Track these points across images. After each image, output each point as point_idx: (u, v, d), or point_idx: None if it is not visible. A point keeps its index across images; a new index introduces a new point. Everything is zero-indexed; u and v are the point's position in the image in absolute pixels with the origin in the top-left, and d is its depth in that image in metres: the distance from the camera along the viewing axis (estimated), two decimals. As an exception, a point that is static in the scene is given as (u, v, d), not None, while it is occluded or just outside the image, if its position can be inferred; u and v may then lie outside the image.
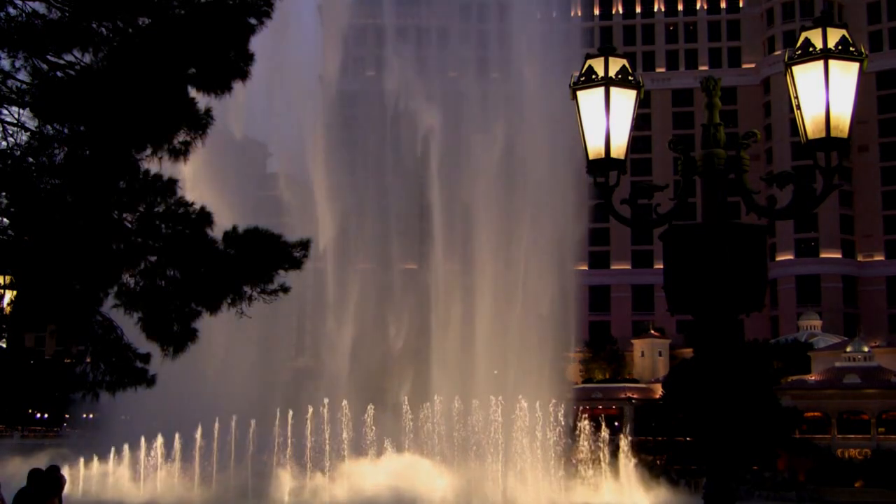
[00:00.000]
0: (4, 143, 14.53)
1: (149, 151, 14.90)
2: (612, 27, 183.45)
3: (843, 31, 8.39)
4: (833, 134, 8.32)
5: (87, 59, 14.44)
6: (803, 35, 8.46)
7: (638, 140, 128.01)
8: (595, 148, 9.20)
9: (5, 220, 14.82)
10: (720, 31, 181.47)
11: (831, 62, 8.30)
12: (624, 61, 9.23)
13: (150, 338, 15.49)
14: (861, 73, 8.40)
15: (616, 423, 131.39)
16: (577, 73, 9.46)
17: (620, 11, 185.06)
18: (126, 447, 73.46)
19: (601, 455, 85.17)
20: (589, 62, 9.29)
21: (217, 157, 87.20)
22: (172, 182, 15.27)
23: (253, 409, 74.79)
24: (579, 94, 9.28)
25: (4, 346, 17.23)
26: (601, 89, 9.12)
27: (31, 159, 14.53)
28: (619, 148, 9.17)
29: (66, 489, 18.92)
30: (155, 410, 74.23)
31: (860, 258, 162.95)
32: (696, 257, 8.66)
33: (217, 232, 15.43)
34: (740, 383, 8.38)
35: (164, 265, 15.29)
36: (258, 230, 15.61)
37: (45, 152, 14.60)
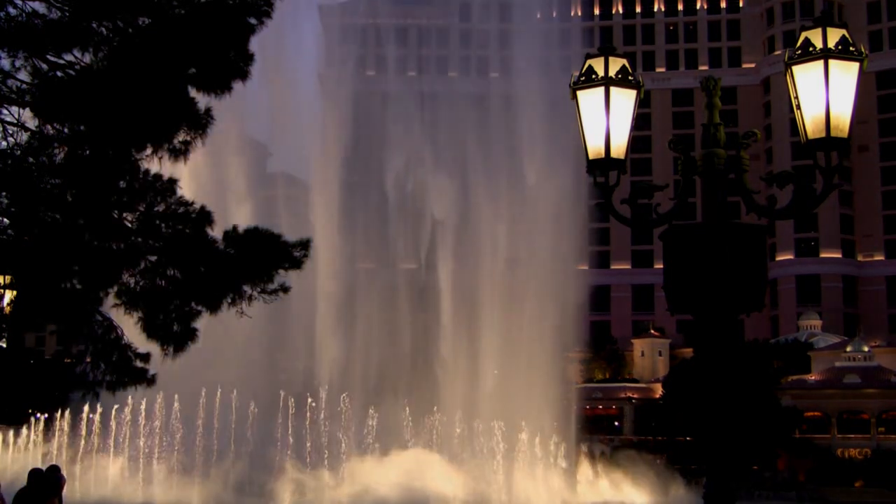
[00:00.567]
0: (4, 143, 14.54)
1: (149, 151, 14.91)
2: (612, 27, 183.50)
3: (843, 31, 8.39)
4: (833, 134, 8.32)
5: (87, 59, 14.45)
6: (803, 35, 8.46)
7: (638, 140, 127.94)
8: (595, 148, 9.20)
9: (5, 220, 14.83)
10: (720, 30, 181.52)
11: (831, 62, 8.30)
12: (624, 61, 9.23)
13: (150, 338, 15.50)
14: (861, 72, 8.40)
15: (616, 423, 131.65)
16: (577, 73, 9.46)
17: (620, 11, 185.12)
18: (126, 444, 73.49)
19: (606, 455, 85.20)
20: (589, 62, 9.29)
21: (217, 157, 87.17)
22: (172, 182, 15.28)
23: (259, 406, 74.73)
24: (579, 93, 9.28)
25: (4, 345, 17.24)
26: (601, 89, 9.12)
27: (31, 159, 14.53)
28: (619, 148, 9.17)
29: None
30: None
31: (860, 258, 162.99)
32: (696, 257, 8.66)
33: (217, 232, 15.45)
34: (740, 383, 8.38)
35: (164, 265, 15.30)
36: (258, 230, 15.62)
37: (45, 152, 14.60)
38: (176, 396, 71.15)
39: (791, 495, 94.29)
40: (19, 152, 14.47)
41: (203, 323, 15.77)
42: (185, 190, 15.86)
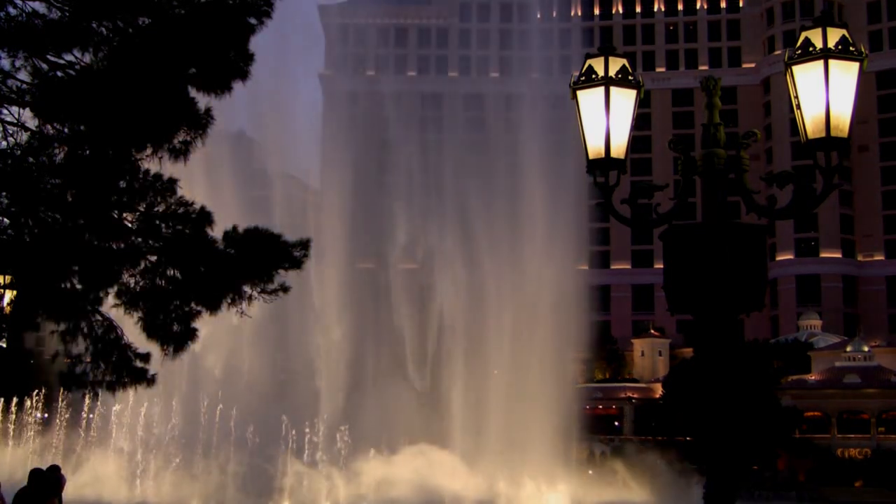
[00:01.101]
0: (4, 143, 14.54)
1: (149, 151, 14.91)
2: (612, 27, 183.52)
3: (843, 31, 8.39)
4: (833, 134, 8.32)
5: (87, 59, 14.45)
6: (803, 35, 8.46)
7: (638, 140, 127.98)
8: (595, 147, 9.20)
9: (5, 220, 14.83)
10: (720, 30, 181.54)
11: (831, 62, 8.30)
12: (624, 61, 9.23)
13: (150, 337, 15.51)
14: (861, 72, 8.40)
15: (616, 423, 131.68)
16: (577, 73, 9.47)
17: (620, 11, 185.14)
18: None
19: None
20: (589, 62, 9.29)
21: (217, 157, 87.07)
22: (172, 182, 15.28)
23: (262, 405, 74.59)
24: (579, 93, 9.28)
25: (4, 345, 17.26)
26: (601, 89, 9.12)
27: (31, 159, 14.53)
28: (619, 147, 9.18)
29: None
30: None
31: (860, 258, 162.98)
32: (696, 257, 8.66)
33: (217, 232, 15.45)
34: (740, 383, 8.38)
35: (164, 265, 15.31)
36: (258, 230, 15.62)
37: (45, 152, 14.60)
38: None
39: (791, 495, 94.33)
40: (19, 152, 14.47)
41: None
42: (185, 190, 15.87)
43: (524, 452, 74.43)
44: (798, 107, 8.47)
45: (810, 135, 8.42)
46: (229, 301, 15.39)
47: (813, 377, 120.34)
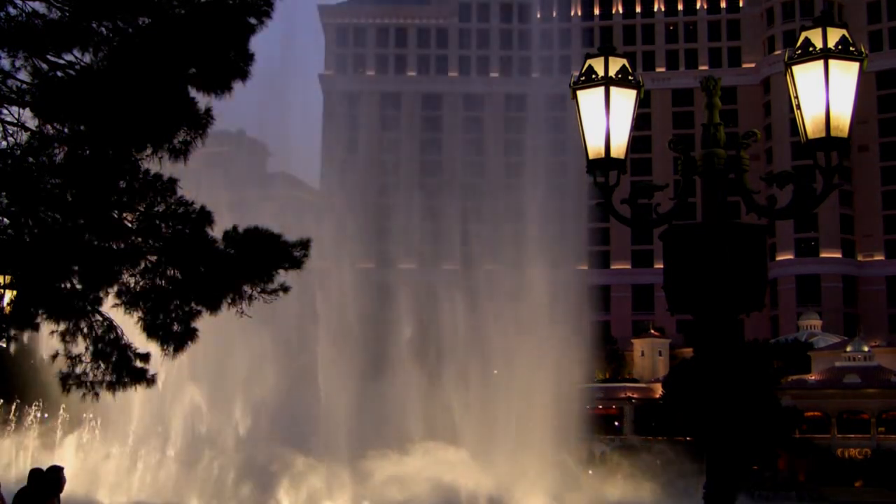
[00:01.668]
0: (4, 143, 14.55)
1: (149, 151, 14.91)
2: (612, 27, 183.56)
3: (843, 31, 8.39)
4: (833, 134, 8.31)
5: (87, 59, 14.45)
6: (803, 35, 8.46)
7: (638, 140, 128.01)
8: (595, 147, 9.20)
9: (5, 220, 14.83)
10: (720, 30, 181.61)
11: (831, 62, 8.30)
12: (624, 61, 9.23)
13: (150, 338, 15.51)
14: (861, 72, 8.40)
15: (616, 423, 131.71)
16: (577, 73, 9.47)
17: (620, 11, 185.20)
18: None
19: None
20: (589, 62, 9.29)
21: (217, 157, 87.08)
22: (172, 182, 15.29)
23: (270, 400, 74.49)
24: (579, 93, 9.28)
25: (4, 345, 17.27)
26: (601, 89, 9.12)
27: (31, 159, 14.53)
28: (619, 147, 9.17)
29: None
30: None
31: (860, 258, 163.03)
32: (696, 257, 8.66)
33: (217, 232, 15.46)
34: (740, 383, 8.38)
35: (164, 265, 15.31)
36: (258, 230, 15.63)
37: (45, 152, 14.60)
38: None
39: (791, 495, 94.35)
40: (19, 152, 14.48)
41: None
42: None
43: (527, 452, 74.47)
44: (798, 107, 8.47)
45: (810, 135, 8.42)
46: (229, 301, 15.40)
47: (813, 377, 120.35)
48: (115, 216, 15.11)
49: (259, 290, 15.51)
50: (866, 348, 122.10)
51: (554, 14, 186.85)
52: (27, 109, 14.56)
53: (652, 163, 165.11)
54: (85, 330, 15.65)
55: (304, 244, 15.72)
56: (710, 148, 9.07)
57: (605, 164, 9.15)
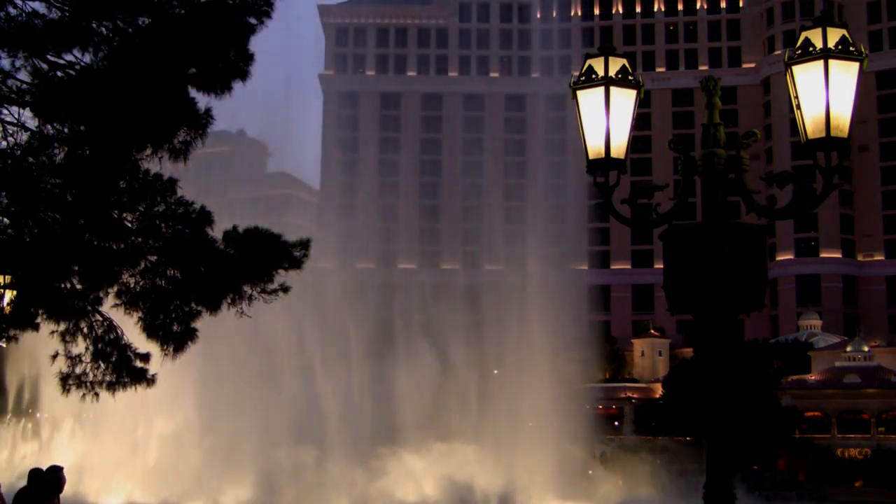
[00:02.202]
0: (4, 143, 14.54)
1: (149, 151, 14.91)
2: (612, 27, 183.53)
3: (843, 31, 8.39)
4: (833, 134, 8.31)
5: (87, 59, 14.45)
6: (803, 35, 8.46)
7: (638, 140, 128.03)
8: (595, 147, 9.19)
9: (5, 220, 14.83)
10: (720, 30, 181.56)
11: (831, 62, 8.30)
12: (624, 61, 9.22)
13: (150, 338, 15.51)
14: (861, 72, 8.40)
15: (616, 423, 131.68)
16: (577, 73, 9.47)
17: (620, 11, 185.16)
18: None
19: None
20: (589, 62, 9.29)
21: (218, 157, 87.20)
22: (172, 182, 15.28)
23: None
24: (579, 93, 9.27)
25: (4, 345, 17.27)
26: (601, 89, 9.12)
27: (31, 159, 14.53)
28: (619, 147, 9.17)
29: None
30: None
31: (860, 258, 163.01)
32: (696, 257, 8.66)
33: (217, 232, 15.46)
34: (740, 383, 8.39)
35: (164, 265, 15.31)
36: (258, 230, 15.63)
37: (45, 152, 14.60)
38: None
39: (791, 495, 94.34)
40: (19, 152, 14.47)
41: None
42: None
43: (527, 453, 74.54)
44: (798, 107, 8.47)
45: (810, 135, 8.42)
46: (229, 301, 15.40)
47: (813, 377, 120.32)
48: (115, 216, 15.11)
49: (259, 290, 15.51)
50: (866, 348, 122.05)
51: (554, 14, 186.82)
52: (27, 109, 14.56)
53: (652, 163, 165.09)
54: (85, 330, 15.65)
55: (304, 244, 15.72)
56: (710, 148, 9.07)
57: (605, 164, 9.14)
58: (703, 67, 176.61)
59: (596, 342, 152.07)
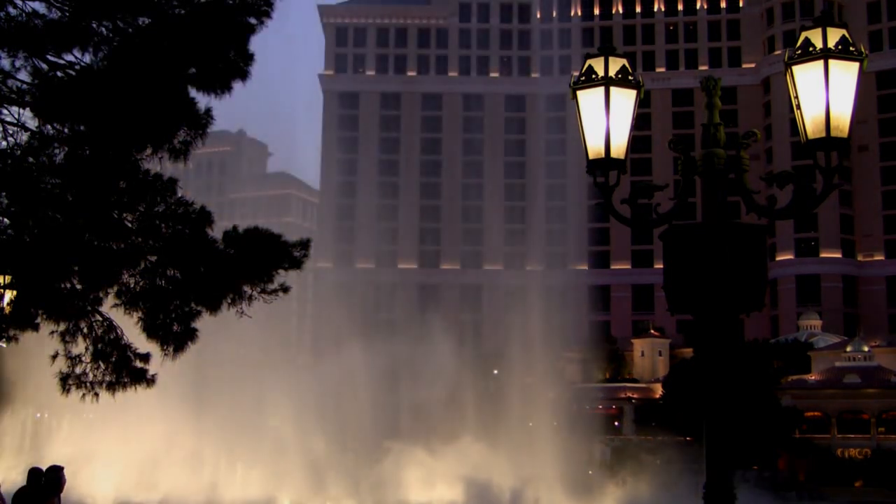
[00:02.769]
0: (4, 143, 14.54)
1: (149, 151, 14.91)
2: (612, 27, 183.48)
3: (843, 31, 8.39)
4: (833, 134, 8.31)
5: (87, 59, 14.46)
6: (803, 35, 8.46)
7: (638, 140, 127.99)
8: (595, 148, 9.19)
9: (5, 220, 14.82)
10: (720, 30, 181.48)
11: (831, 62, 8.30)
12: (624, 61, 9.22)
13: (150, 338, 15.51)
14: (861, 72, 8.39)
15: (616, 423, 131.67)
16: (577, 73, 9.46)
17: (620, 11, 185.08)
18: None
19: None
20: (589, 62, 9.28)
21: (218, 157, 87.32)
22: (172, 182, 15.28)
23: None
24: (579, 93, 9.27)
25: (4, 345, 17.26)
26: (601, 89, 9.11)
27: (31, 159, 14.53)
28: (619, 147, 9.17)
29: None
30: None
31: (860, 258, 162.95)
32: (696, 257, 8.66)
33: (217, 232, 15.45)
34: (740, 383, 8.40)
35: (164, 265, 15.30)
36: (258, 230, 15.63)
37: (45, 152, 14.60)
38: None
39: (791, 495, 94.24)
40: (19, 152, 14.47)
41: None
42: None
43: (525, 452, 74.58)
44: (798, 107, 8.47)
45: (810, 135, 8.42)
46: (229, 301, 15.40)
47: (813, 377, 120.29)
48: (115, 216, 15.10)
49: (259, 290, 15.51)
50: (866, 348, 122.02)
51: (554, 14, 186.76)
52: (27, 109, 14.56)
53: (652, 163, 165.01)
54: (85, 330, 15.65)
55: (304, 244, 15.72)
56: (710, 148, 9.07)
57: (605, 164, 9.14)
58: (703, 67, 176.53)
59: (596, 342, 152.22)
